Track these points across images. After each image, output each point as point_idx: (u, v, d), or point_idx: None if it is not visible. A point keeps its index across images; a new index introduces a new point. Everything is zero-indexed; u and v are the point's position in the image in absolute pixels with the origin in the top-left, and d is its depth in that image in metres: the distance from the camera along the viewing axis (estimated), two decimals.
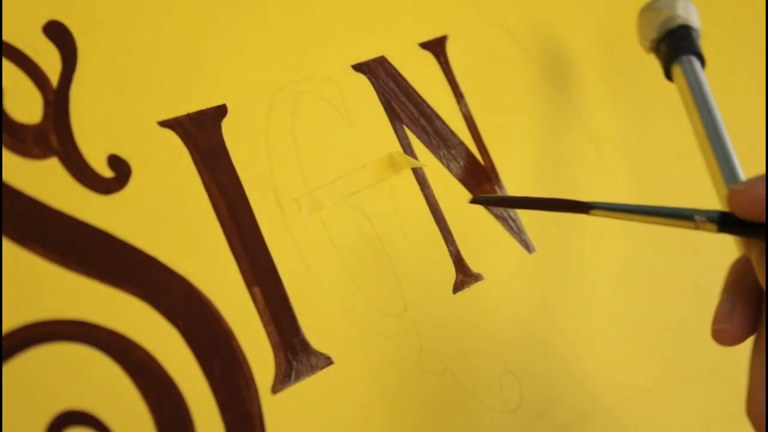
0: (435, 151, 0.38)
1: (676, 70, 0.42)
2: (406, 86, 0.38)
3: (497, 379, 0.36)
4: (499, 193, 0.39)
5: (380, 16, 0.39)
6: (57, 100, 0.28)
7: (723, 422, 0.44)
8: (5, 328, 0.25)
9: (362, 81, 0.37)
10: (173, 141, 0.30)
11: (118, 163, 0.29)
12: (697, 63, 0.42)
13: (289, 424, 0.29)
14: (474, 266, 0.37)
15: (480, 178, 0.39)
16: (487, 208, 0.39)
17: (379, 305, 0.33)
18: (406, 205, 0.36)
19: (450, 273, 0.36)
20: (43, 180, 0.27)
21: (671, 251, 0.45)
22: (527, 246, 0.40)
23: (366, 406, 0.32)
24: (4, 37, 0.28)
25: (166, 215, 0.29)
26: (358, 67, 0.37)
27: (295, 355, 0.30)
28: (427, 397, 0.33)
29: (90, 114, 0.29)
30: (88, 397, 0.26)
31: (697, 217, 0.26)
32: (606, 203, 0.29)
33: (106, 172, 0.29)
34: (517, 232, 0.39)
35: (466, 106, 0.40)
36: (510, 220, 0.39)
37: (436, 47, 0.40)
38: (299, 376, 0.30)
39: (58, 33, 0.29)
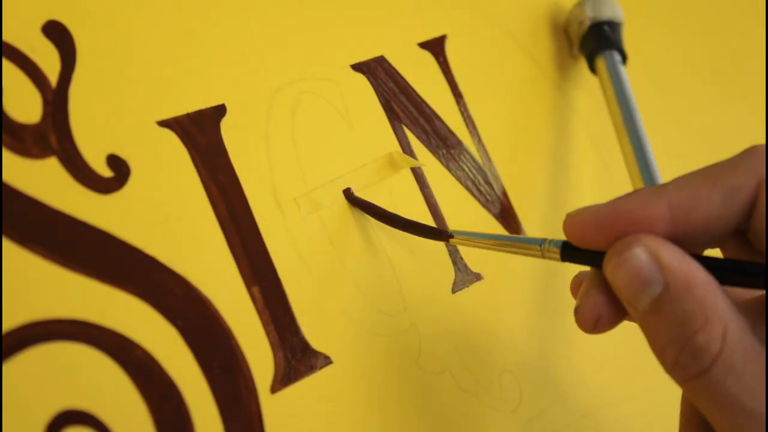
0: (434, 151, 0.38)
1: (598, 67, 0.43)
2: (406, 86, 0.38)
3: (497, 378, 0.36)
4: (498, 192, 0.39)
5: (379, 15, 0.39)
6: (56, 99, 0.28)
7: None
8: (5, 328, 0.25)
9: (361, 81, 0.37)
10: (172, 141, 0.30)
11: (117, 163, 0.29)
12: (612, 58, 0.43)
13: (289, 424, 0.29)
14: (473, 266, 0.37)
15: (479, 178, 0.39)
16: (489, 211, 0.39)
17: (378, 305, 0.33)
18: (406, 204, 0.36)
19: (449, 272, 0.36)
20: (42, 180, 0.27)
21: None
22: None
23: (365, 405, 0.32)
24: (3, 37, 0.28)
25: (165, 215, 0.29)
26: (358, 67, 0.37)
27: (294, 354, 0.30)
28: (426, 396, 0.33)
29: (89, 114, 0.29)
30: (87, 396, 0.26)
31: (543, 245, 0.26)
32: (464, 233, 0.30)
33: (106, 172, 0.29)
34: (516, 231, 0.39)
35: (465, 105, 0.40)
36: (510, 220, 0.39)
37: (436, 47, 0.40)
38: (298, 376, 0.30)
39: (57, 33, 0.29)
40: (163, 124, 0.30)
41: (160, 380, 0.27)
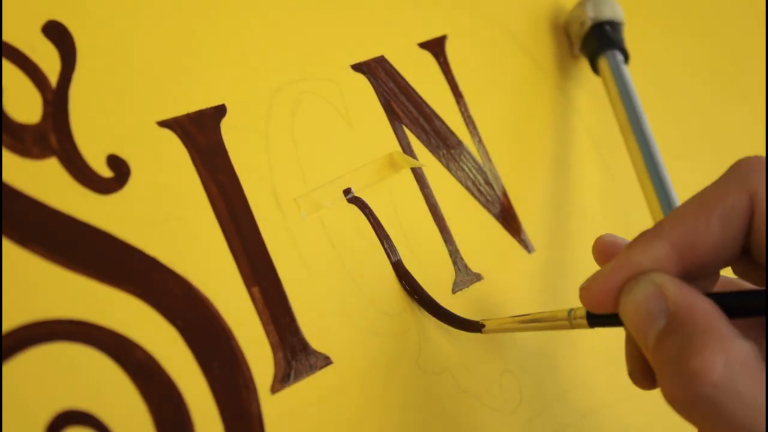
0: (434, 151, 0.38)
1: (601, 68, 0.43)
2: (406, 86, 0.38)
3: (497, 378, 0.36)
4: (498, 192, 0.39)
5: (379, 15, 0.39)
6: (56, 99, 0.28)
7: None
8: (5, 328, 0.25)
9: (362, 81, 0.37)
10: (172, 141, 0.30)
11: (117, 163, 0.29)
12: (614, 58, 0.43)
13: (289, 424, 0.29)
14: (474, 266, 0.37)
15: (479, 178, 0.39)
16: (490, 211, 0.39)
17: (378, 305, 0.33)
18: (406, 204, 0.36)
19: (449, 272, 0.36)
20: (42, 180, 0.27)
21: None
22: (527, 246, 0.40)
23: (365, 405, 0.32)
24: (4, 37, 0.28)
25: (165, 215, 0.29)
26: (358, 67, 0.37)
27: (294, 354, 0.30)
28: (426, 396, 0.33)
29: (89, 114, 0.29)
30: (87, 396, 0.26)
31: (570, 315, 0.27)
32: (494, 321, 0.32)
33: (106, 172, 0.29)
34: (517, 232, 0.39)
35: (465, 105, 0.40)
36: (510, 220, 0.39)
37: (436, 47, 0.40)
38: (298, 376, 0.30)
39: (57, 33, 0.29)
40: (163, 124, 0.30)
41: (160, 380, 0.27)
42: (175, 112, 0.31)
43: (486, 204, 0.39)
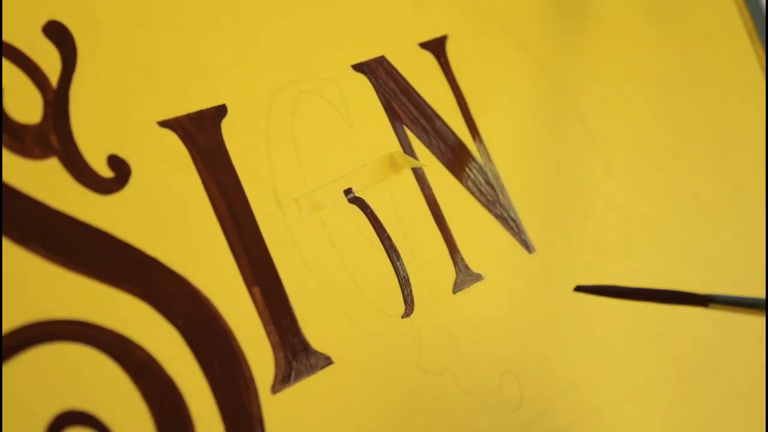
0: (435, 151, 0.38)
1: None
2: (406, 86, 0.38)
3: (497, 379, 0.36)
4: (498, 193, 0.39)
5: (380, 16, 0.39)
6: (57, 100, 0.28)
7: (723, 422, 0.44)
8: (5, 328, 0.25)
9: (362, 81, 0.37)
10: (173, 141, 0.30)
11: (117, 163, 0.29)
12: None
13: (289, 424, 0.29)
14: (474, 266, 0.37)
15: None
16: (490, 211, 0.39)
17: (378, 305, 0.33)
18: (406, 204, 0.36)
19: (450, 273, 0.36)
20: (43, 180, 0.27)
21: (671, 251, 0.45)
22: (527, 246, 0.40)
23: (366, 406, 0.32)
24: (4, 37, 0.28)
25: (165, 215, 0.29)
26: (358, 67, 0.37)
27: (295, 355, 0.30)
28: (426, 397, 0.33)
29: (90, 114, 0.29)
30: (88, 397, 0.26)
31: None
32: (725, 297, 0.29)
33: (106, 172, 0.29)
34: (517, 232, 0.39)
35: (466, 106, 0.40)
36: (510, 221, 0.39)
37: (436, 47, 0.40)
38: (299, 376, 0.30)
39: (57, 33, 0.29)
40: (164, 124, 0.30)
41: (161, 380, 0.27)
42: (175, 112, 0.31)
43: (486, 204, 0.39)
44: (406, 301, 0.34)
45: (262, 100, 0.33)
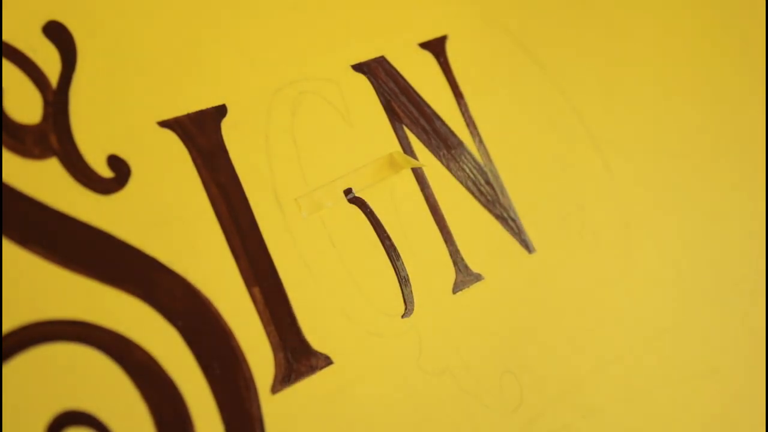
0: (435, 151, 0.38)
1: None
2: (406, 86, 0.38)
3: (497, 379, 0.36)
4: (498, 193, 0.39)
5: (380, 16, 0.39)
6: (57, 100, 0.28)
7: (723, 422, 0.44)
8: (5, 328, 0.25)
9: (362, 81, 0.37)
10: (173, 141, 0.30)
11: (117, 164, 0.29)
12: None
13: (289, 424, 0.29)
14: (474, 266, 0.37)
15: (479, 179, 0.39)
16: (490, 211, 0.39)
17: (378, 305, 0.33)
18: (406, 205, 0.36)
19: (450, 273, 0.36)
20: (42, 180, 0.27)
21: (671, 250, 0.45)
22: (527, 246, 0.40)
23: (365, 406, 0.32)
24: (4, 38, 0.28)
25: (165, 215, 0.29)
26: (358, 67, 0.37)
27: (295, 355, 0.30)
28: (426, 397, 0.33)
29: (89, 114, 0.29)
30: (87, 397, 0.26)
31: None
32: None
33: (106, 173, 0.29)
34: (517, 232, 0.39)
35: (465, 106, 0.40)
36: (510, 221, 0.39)
37: (436, 47, 0.40)
38: (299, 376, 0.30)
39: (57, 33, 0.29)
40: (164, 124, 0.30)
41: (160, 380, 0.27)
42: (175, 112, 0.31)
43: (486, 204, 0.39)
44: (406, 301, 0.34)
45: (262, 100, 0.33)
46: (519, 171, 0.41)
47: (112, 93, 0.30)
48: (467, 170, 0.39)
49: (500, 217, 0.39)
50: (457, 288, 0.36)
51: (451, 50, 0.40)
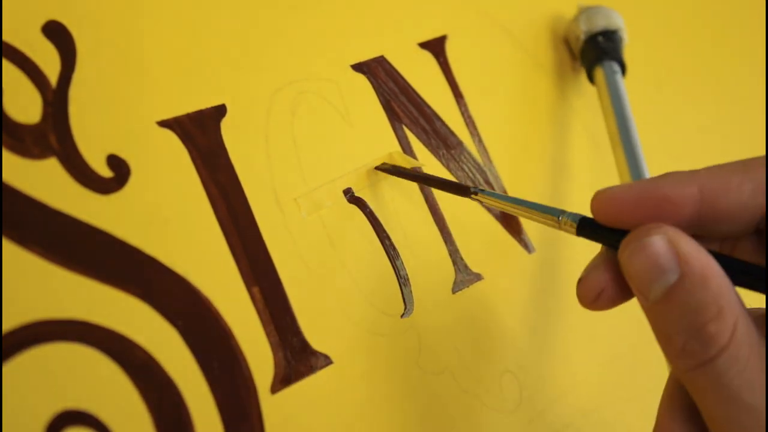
0: (434, 151, 0.38)
1: (596, 79, 0.44)
2: (406, 86, 0.38)
3: (497, 378, 0.36)
4: (497, 192, 0.39)
5: (379, 15, 0.39)
6: (56, 99, 0.28)
7: None
8: (5, 328, 0.25)
9: (362, 81, 0.37)
10: (172, 141, 0.30)
11: (117, 163, 0.29)
12: (608, 69, 0.43)
13: (289, 424, 0.29)
14: (474, 266, 0.37)
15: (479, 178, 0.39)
16: (484, 206, 0.39)
17: (378, 305, 0.33)
18: (406, 204, 0.36)
19: (449, 273, 0.36)
20: (42, 180, 0.27)
21: None
22: (527, 246, 0.40)
23: (365, 405, 0.32)
24: (4, 37, 0.28)
25: (165, 215, 0.29)
26: (358, 67, 0.37)
27: (295, 354, 0.30)
28: (426, 396, 0.33)
29: (89, 114, 0.29)
30: (87, 396, 0.26)
31: (561, 217, 0.26)
32: (486, 191, 0.31)
33: (106, 172, 0.29)
34: (517, 232, 0.39)
35: (465, 106, 0.40)
36: (510, 220, 0.39)
37: (436, 47, 0.40)
38: (298, 376, 0.30)
39: (57, 33, 0.29)
40: (163, 124, 0.30)
41: (160, 380, 0.27)
42: (175, 112, 0.31)
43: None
44: (405, 301, 0.34)
45: (262, 100, 0.33)
46: (519, 171, 0.41)
47: (111, 93, 0.30)
48: (467, 170, 0.39)
49: (500, 217, 0.39)
50: (456, 288, 0.36)
51: (450, 50, 0.40)
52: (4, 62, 0.28)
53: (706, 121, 0.51)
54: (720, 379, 0.21)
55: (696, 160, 0.48)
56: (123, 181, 0.29)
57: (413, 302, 0.34)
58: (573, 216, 0.26)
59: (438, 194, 0.37)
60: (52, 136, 0.28)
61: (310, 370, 0.31)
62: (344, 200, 0.34)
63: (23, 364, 0.25)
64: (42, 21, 0.29)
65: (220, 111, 0.32)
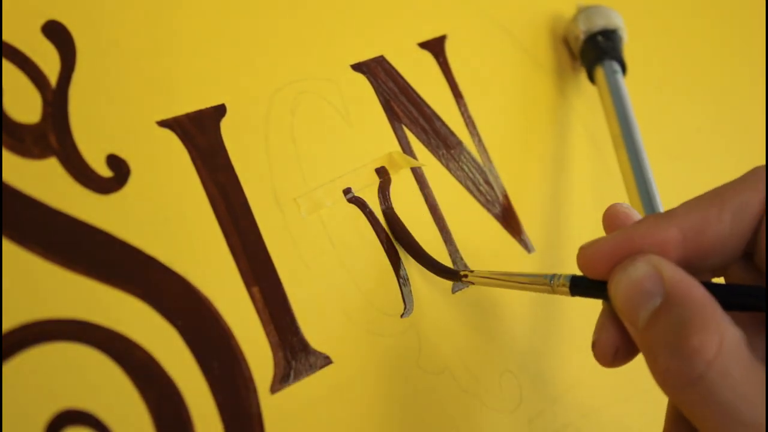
0: (434, 151, 0.38)
1: (597, 79, 0.44)
2: (405, 86, 0.38)
3: (497, 378, 0.36)
4: (498, 193, 0.39)
5: (379, 15, 0.39)
6: (56, 99, 0.28)
7: None
8: (5, 328, 0.25)
9: (361, 81, 0.37)
10: (172, 141, 0.30)
11: (117, 163, 0.29)
12: (609, 68, 0.43)
13: (288, 424, 0.29)
14: (473, 266, 0.37)
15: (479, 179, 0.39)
16: (490, 211, 0.39)
17: (378, 305, 0.33)
18: (405, 204, 0.36)
19: None
20: (42, 180, 0.27)
21: None
22: (527, 246, 0.40)
23: (365, 405, 0.32)
24: (4, 37, 0.28)
25: (165, 215, 0.29)
26: (358, 67, 0.37)
27: (294, 354, 0.30)
28: (426, 396, 0.33)
29: (89, 114, 0.29)
30: (87, 396, 0.26)
31: (552, 280, 0.27)
32: (475, 272, 0.31)
33: (105, 172, 0.29)
34: (517, 232, 0.39)
35: (465, 106, 0.40)
36: (510, 220, 0.39)
37: (435, 47, 0.40)
38: (298, 376, 0.30)
39: (57, 33, 0.29)
40: (163, 124, 0.30)
41: (160, 380, 0.27)
42: (174, 112, 0.31)
43: (486, 204, 0.39)
44: (405, 301, 0.34)
45: (262, 100, 0.33)
46: (519, 171, 0.41)
47: (111, 93, 0.30)
48: (467, 170, 0.39)
49: (500, 217, 0.39)
50: (456, 288, 0.36)
51: (450, 50, 0.40)
52: (4, 62, 0.28)
53: (706, 121, 0.51)
54: (712, 396, 0.20)
55: (696, 160, 0.48)
56: (123, 181, 0.29)
57: (413, 302, 0.34)
58: (565, 277, 0.26)
59: (438, 194, 0.37)
60: (52, 136, 0.28)
61: (310, 369, 0.31)
62: (344, 200, 0.34)
63: (23, 364, 0.25)
64: (42, 21, 0.29)
65: (219, 111, 0.32)
